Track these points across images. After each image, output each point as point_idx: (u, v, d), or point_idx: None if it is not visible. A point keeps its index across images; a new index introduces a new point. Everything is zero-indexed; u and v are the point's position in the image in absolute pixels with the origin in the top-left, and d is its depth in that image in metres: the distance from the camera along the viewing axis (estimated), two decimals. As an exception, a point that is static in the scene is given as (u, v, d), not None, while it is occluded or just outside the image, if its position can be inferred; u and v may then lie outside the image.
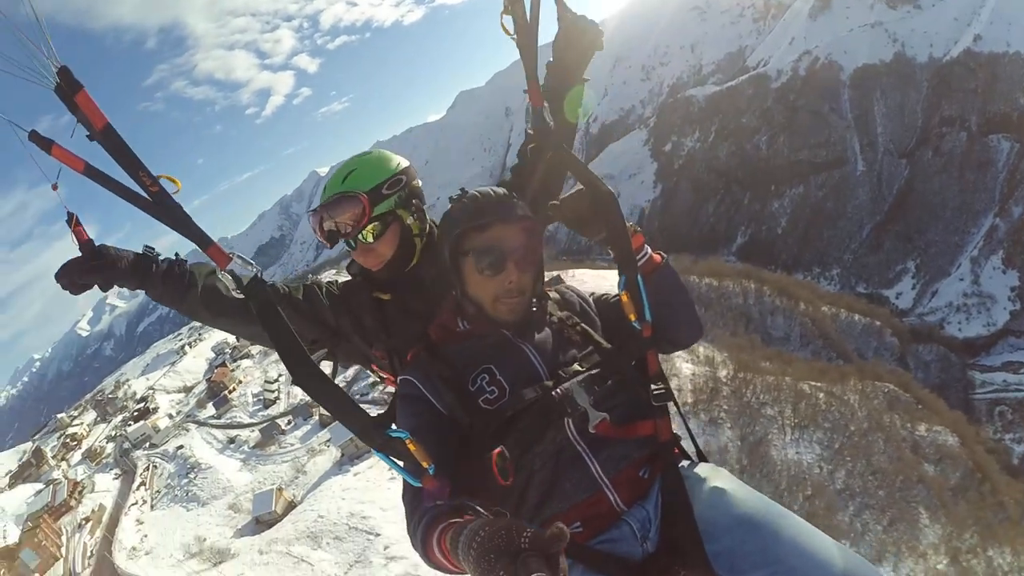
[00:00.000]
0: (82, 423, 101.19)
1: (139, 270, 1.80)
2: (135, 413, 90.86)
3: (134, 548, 47.50)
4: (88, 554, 50.21)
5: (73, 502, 59.90)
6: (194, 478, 58.90)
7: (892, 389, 49.36)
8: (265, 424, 62.25)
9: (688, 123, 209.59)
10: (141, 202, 1.56)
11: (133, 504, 58.30)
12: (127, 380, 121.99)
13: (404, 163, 2.25)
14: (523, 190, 2.18)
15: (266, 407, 69.09)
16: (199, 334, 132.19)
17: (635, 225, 1.86)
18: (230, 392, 77.26)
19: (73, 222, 1.64)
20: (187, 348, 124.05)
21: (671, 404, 1.85)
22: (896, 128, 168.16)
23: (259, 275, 1.66)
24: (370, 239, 2.11)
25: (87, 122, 1.47)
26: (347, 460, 42.06)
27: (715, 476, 1.70)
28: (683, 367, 42.88)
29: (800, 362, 51.57)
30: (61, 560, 50.55)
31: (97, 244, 1.72)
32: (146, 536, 50.49)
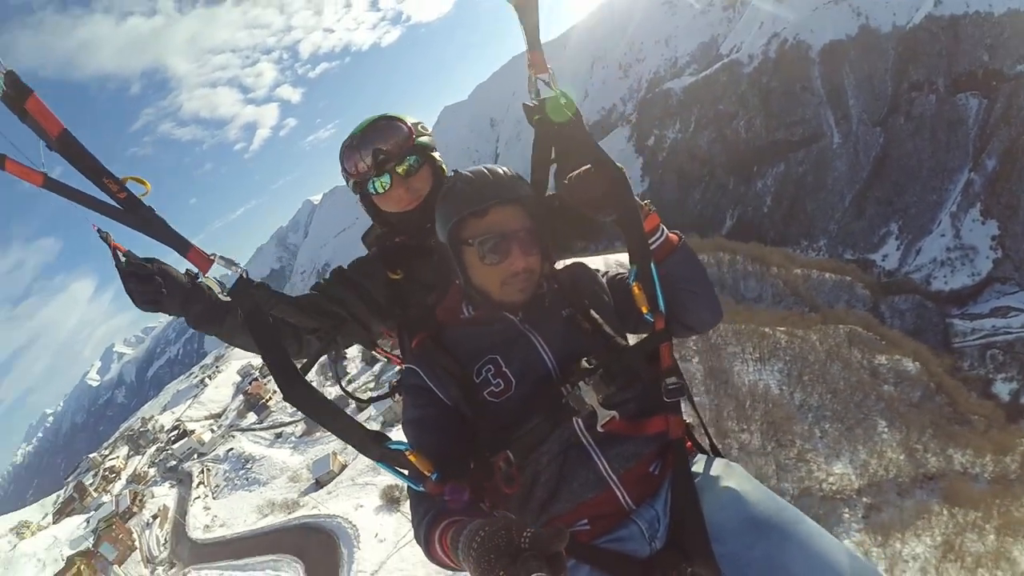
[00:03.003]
0: (117, 456, 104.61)
1: (178, 288, 1.72)
2: (172, 437, 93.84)
3: (207, 526, 51.71)
4: (162, 542, 55.42)
5: (136, 508, 64.91)
6: (251, 468, 62.63)
7: (853, 329, 53.51)
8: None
9: (668, 115, 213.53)
10: (110, 211, 1.49)
11: (196, 498, 62.22)
12: (152, 417, 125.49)
13: None
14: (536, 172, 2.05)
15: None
16: (216, 367, 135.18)
17: (649, 204, 1.78)
18: (267, 400, 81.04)
19: (109, 239, 1.59)
20: (206, 381, 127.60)
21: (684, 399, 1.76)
22: (867, 98, 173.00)
23: (245, 276, 1.61)
24: (411, 168, 2.10)
25: (41, 131, 1.38)
26: (388, 425, 45.96)
27: (728, 475, 1.66)
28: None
29: (766, 313, 55.32)
30: (137, 550, 55.92)
31: (134, 258, 1.65)
32: (216, 516, 54.78)
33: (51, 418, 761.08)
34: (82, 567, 56.05)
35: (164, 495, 66.85)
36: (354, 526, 36.51)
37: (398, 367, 2.37)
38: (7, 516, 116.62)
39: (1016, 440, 41.39)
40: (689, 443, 1.80)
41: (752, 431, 35.49)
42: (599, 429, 1.61)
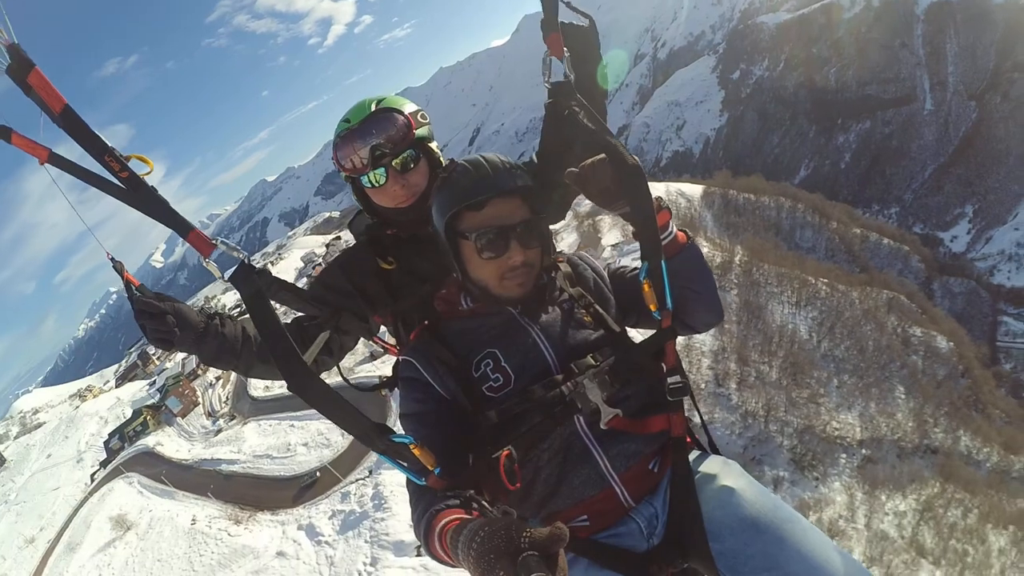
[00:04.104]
0: None
1: (191, 327, 1.75)
2: (236, 314, 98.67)
3: (267, 387, 53.91)
4: (224, 400, 59.62)
5: (200, 371, 69.57)
6: None
7: (896, 296, 52.79)
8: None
9: (757, 51, 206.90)
10: (113, 189, 1.49)
11: None
12: (215, 296, 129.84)
13: None
14: (545, 158, 2.09)
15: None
16: (278, 255, 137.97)
17: (660, 199, 1.72)
18: None
19: (123, 270, 1.64)
20: (269, 266, 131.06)
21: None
22: (967, 68, 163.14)
23: (247, 261, 1.57)
24: (408, 163, 2.02)
25: (44, 105, 1.38)
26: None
27: (726, 473, 1.66)
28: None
29: (813, 263, 54.82)
30: (200, 405, 60.82)
31: (147, 291, 1.71)
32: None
33: (114, 296, 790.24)
34: (147, 416, 61.21)
35: None
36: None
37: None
38: (69, 384, 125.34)
39: None
40: (688, 439, 1.80)
41: (772, 365, 36.42)
42: (603, 427, 1.62)
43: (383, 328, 2.31)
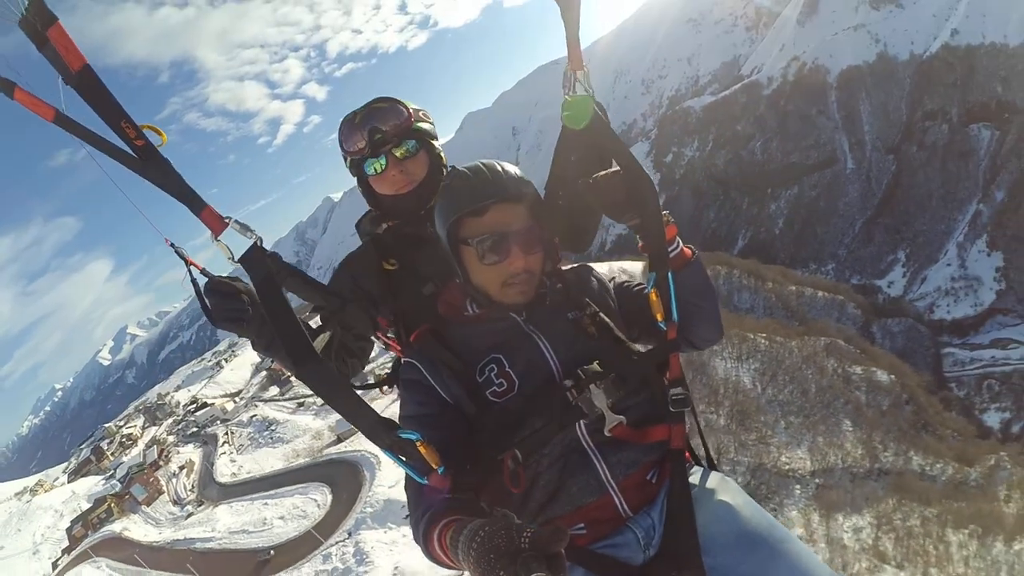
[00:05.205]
0: (135, 426, 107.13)
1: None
2: (192, 408, 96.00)
3: (234, 474, 54.56)
4: (189, 488, 59.63)
5: (162, 462, 69.12)
6: (275, 429, 65.48)
7: (834, 340, 56.48)
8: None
9: (687, 133, 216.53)
10: (126, 158, 1.39)
11: (222, 454, 65.26)
12: (168, 393, 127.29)
13: None
14: (559, 175, 2.03)
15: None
16: (232, 352, 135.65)
17: (668, 214, 1.75)
18: (291, 375, 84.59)
19: (185, 254, 1.55)
20: (223, 363, 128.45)
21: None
22: (882, 125, 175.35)
23: (259, 243, 1.54)
24: (408, 152, 2.10)
25: (60, 64, 1.29)
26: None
27: (723, 489, 1.67)
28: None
29: (751, 320, 58.78)
30: (164, 493, 60.59)
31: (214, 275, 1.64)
32: (242, 466, 57.81)
33: (60, 393, 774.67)
34: (111, 504, 60.87)
35: (189, 452, 70.49)
36: (376, 456, 39.05)
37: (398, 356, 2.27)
38: (13, 483, 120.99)
39: (983, 454, 43.47)
40: (687, 454, 1.81)
41: (720, 413, 39.14)
42: (606, 433, 1.60)
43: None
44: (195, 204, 1.48)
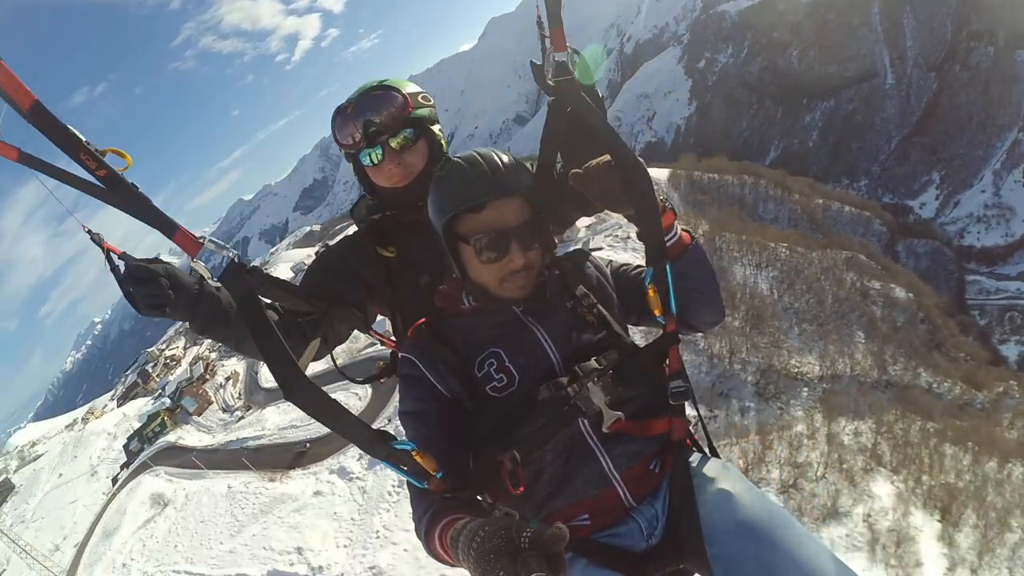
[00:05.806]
0: (177, 347, 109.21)
1: (185, 289, 1.63)
2: None
3: None
4: (237, 396, 61.89)
5: (208, 375, 71.10)
6: None
7: (855, 255, 55.97)
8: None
9: (721, 39, 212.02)
10: (91, 188, 1.41)
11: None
12: None
13: None
14: (548, 164, 1.96)
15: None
16: (264, 268, 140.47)
17: (665, 201, 1.69)
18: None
19: (102, 241, 1.49)
20: None
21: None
22: (925, 41, 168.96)
23: (237, 259, 1.53)
24: (406, 142, 2.01)
25: (12, 102, 1.30)
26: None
27: (724, 477, 1.65)
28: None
29: (774, 230, 57.72)
30: (213, 403, 63.26)
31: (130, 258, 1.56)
32: None
33: (99, 326, 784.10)
34: (165, 417, 63.35)
35: (233, 364, 71.05)
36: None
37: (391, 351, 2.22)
38: (62, 416, 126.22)
39: (993, 380, 43.21)
40: (688, 440, 1.78)
41: (735, 316, 39.12)
42: (604, 430, 1.59)
43: (379, 317, 2.33)
44: (167, 227, 1.47)
